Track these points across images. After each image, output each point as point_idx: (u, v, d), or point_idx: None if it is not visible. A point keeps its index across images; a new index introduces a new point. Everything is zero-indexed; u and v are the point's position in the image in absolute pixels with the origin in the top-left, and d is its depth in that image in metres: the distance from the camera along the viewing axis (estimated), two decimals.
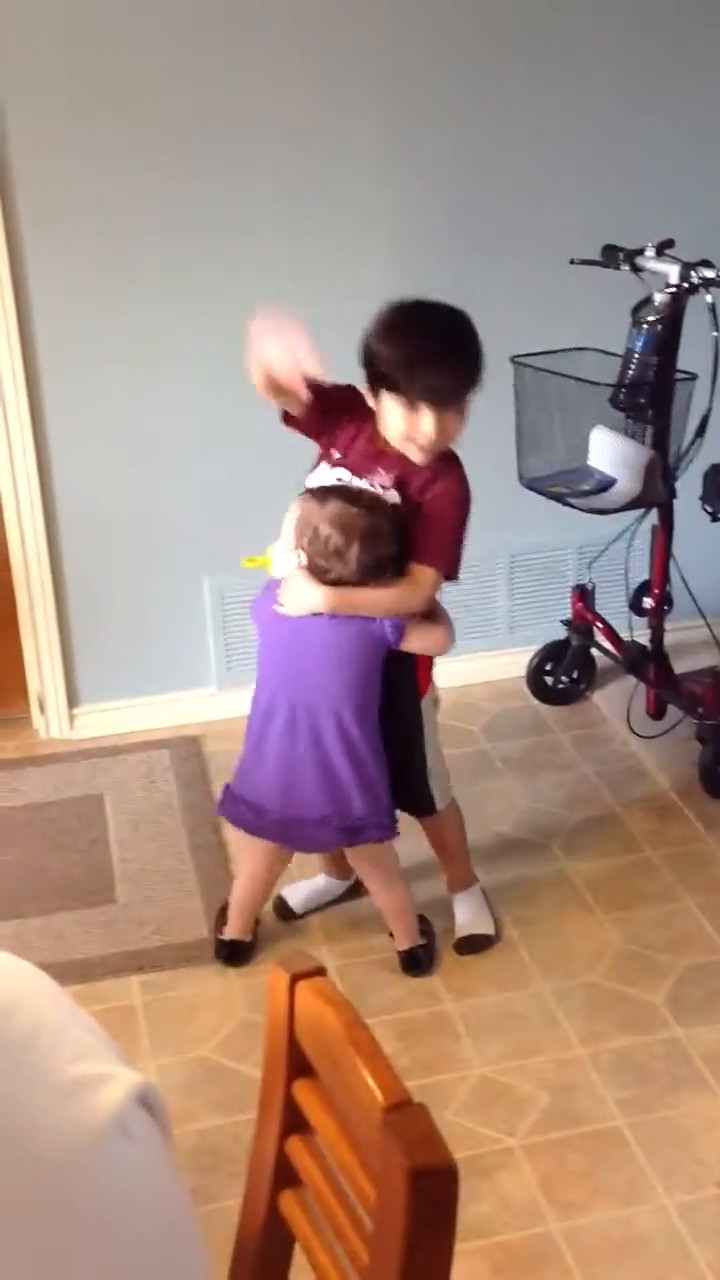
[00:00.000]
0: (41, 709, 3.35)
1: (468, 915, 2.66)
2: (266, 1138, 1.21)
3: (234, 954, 2.61)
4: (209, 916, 2.74)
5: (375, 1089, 1.03)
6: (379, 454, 2.34)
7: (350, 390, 2.35)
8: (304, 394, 2.21)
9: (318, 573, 2.29)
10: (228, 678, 3.37)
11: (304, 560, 2.32)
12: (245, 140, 3.00)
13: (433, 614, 2.41)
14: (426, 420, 2.26)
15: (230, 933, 2.62)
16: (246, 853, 2.60)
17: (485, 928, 2.65)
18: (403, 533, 2.30)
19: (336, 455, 2.37)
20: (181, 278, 3.06)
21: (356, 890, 2.76)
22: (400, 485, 2.32)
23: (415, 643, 2.37)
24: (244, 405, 3.17)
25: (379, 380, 2.28)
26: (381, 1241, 1.01)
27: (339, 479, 2.35)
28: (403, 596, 2.33)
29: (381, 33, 2.99)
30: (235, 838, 2.91)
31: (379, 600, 2.31)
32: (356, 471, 2.34)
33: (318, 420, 2.34)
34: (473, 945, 2.63)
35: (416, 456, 2.31)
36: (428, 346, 2.25)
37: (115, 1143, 0.95)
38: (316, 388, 2.29)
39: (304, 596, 2.31)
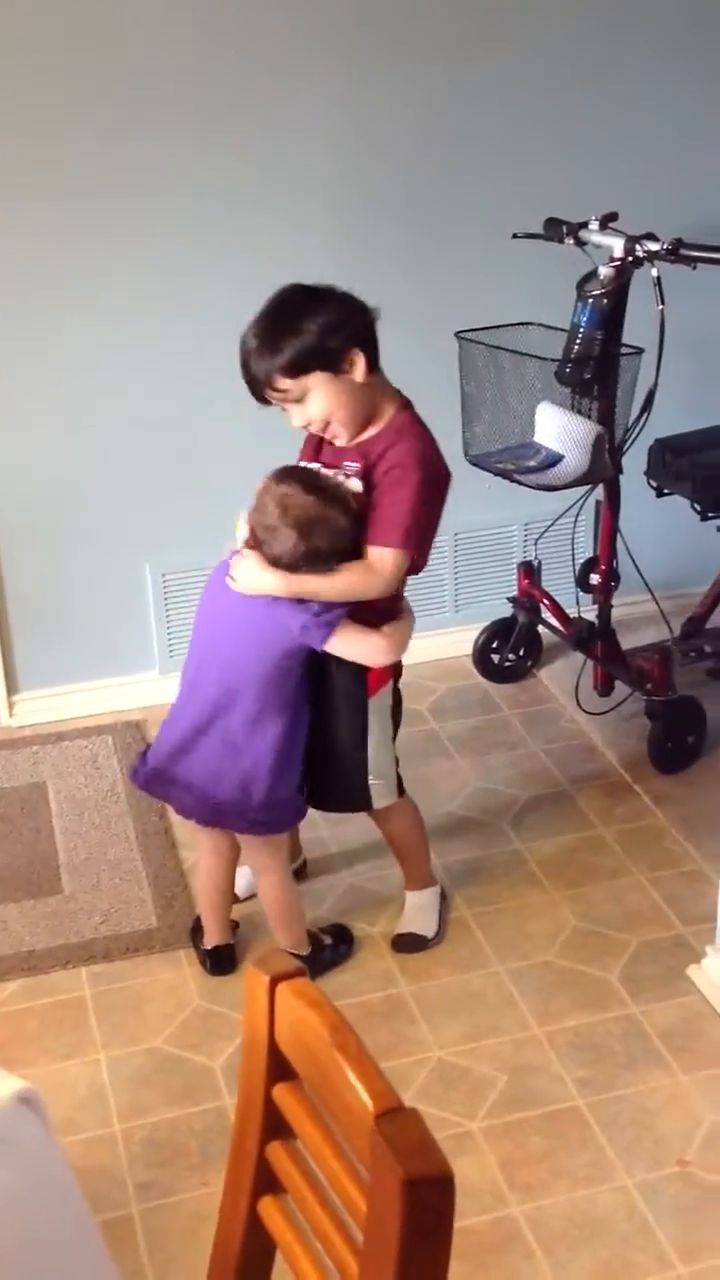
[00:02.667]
0: None
1: (410, 913, 2.62)
2: (246, 1143, 1.18)
3: (219, 961, 2.53)
4: (157, 904, 2.69)
5: (365, 1095, 1.00)
6: (341, 449, 2.30)
7: None
8: None
9: (257, 545, 2.24)
10: (170, 662, 3.31)
11: (245, 533, 2.27)
12: (186, 103, 2.92)
13: (394, 613, 2.34)
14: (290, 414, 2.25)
15: (209, 940, 2.54)
16: (198, 845, 2.54)
17: (422, 928, 2.60)
18: (354, 541, 2.24)
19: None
20: (118, 247, 2.98)
21: (303, 873, 2.74)
22: (365, 472, 2.26)
23: (343, 647, 2.27)
24: (185, 382, 3.14)
25: None
26: (375, 1251, 0.98)
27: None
28: (358, 581, 2.24)
29: None
30: (185, 822, 2.87)
31: (332, 586, 2.23)
32: (330, 466, 2.31)
33: None
34: (406, 944, 2.59)
35: (338, 443, 2.28)
36: (241, 347, 2.23)
37: None
38: None
39: (255, 577, 2.24)
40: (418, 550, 2.27)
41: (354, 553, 2.25)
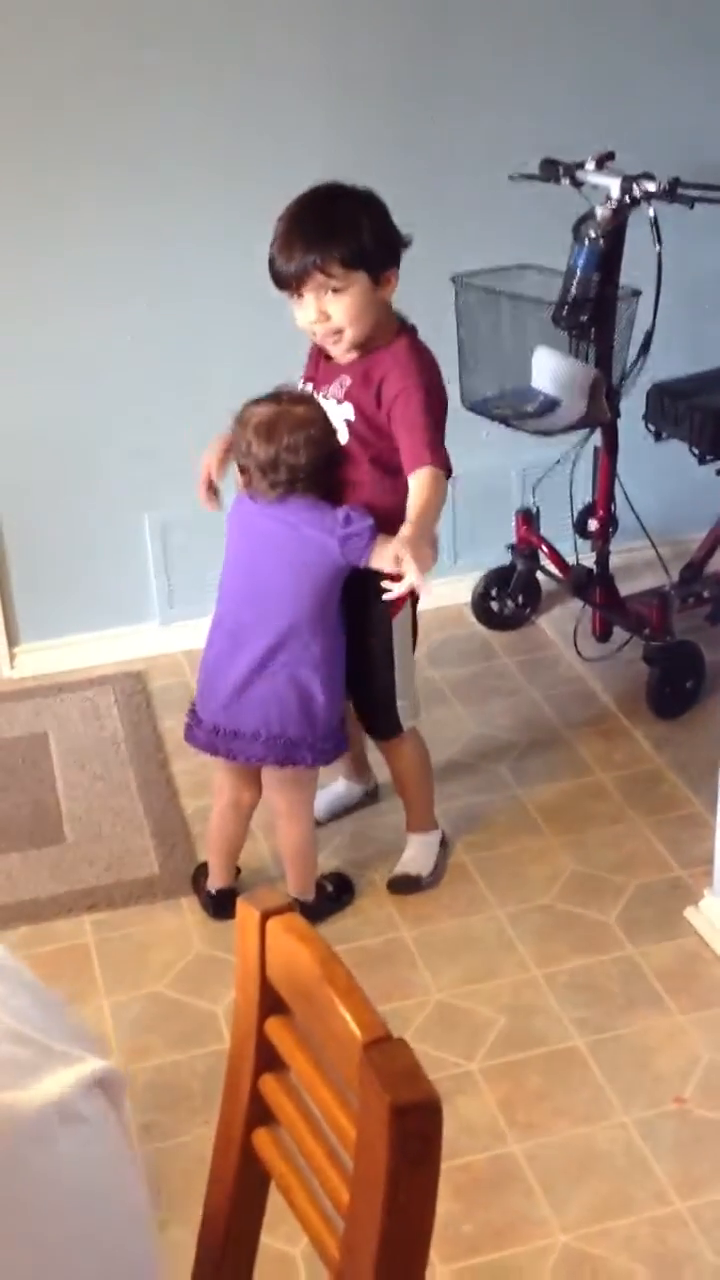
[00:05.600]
0: None
1: (409, 855, 2.63)
2: (239, 1077, 1.19)
3: (221, 905, 2.54)
4: (159, 853, 2.71)
5: (353, 1025, 1.01)
6: (335, 366, 2.32)
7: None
8: None
9: (247, 475, 2.31)
10: (171, 612, 3.32)
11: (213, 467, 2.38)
12: (174, 55, 2.90)
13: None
14: (299, 309, 2.23)
15: (214, 883, 2.56)
16: (216, 788, 2.55)
17: (417, 869, 2.61)
18: (328, 431, 2.27)
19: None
20: (114, 201, 2.97)
21: (375, 795, 2.80)
22: (360, 390, 2.27)
23: (382, 560, 2.28)
24: (182, 334, 3.13)
25: None
26: (364, 1179, 0.99)
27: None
28: (439, 488, 2.18)
29: None
30: (187, 771, 2.89)
31: (433, 499, 2.17)
32: (319, 385, 2.34)
33: None
34: (401, 885, 2.60)
35: (333, 351, 2.28)
36: (282, 229, 2.20)
37: (54, 1128, 0.94)
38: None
39: (408, 551, 2.10)
40: (445, 462, 2.25)
41: (328, 444, 2.28)
